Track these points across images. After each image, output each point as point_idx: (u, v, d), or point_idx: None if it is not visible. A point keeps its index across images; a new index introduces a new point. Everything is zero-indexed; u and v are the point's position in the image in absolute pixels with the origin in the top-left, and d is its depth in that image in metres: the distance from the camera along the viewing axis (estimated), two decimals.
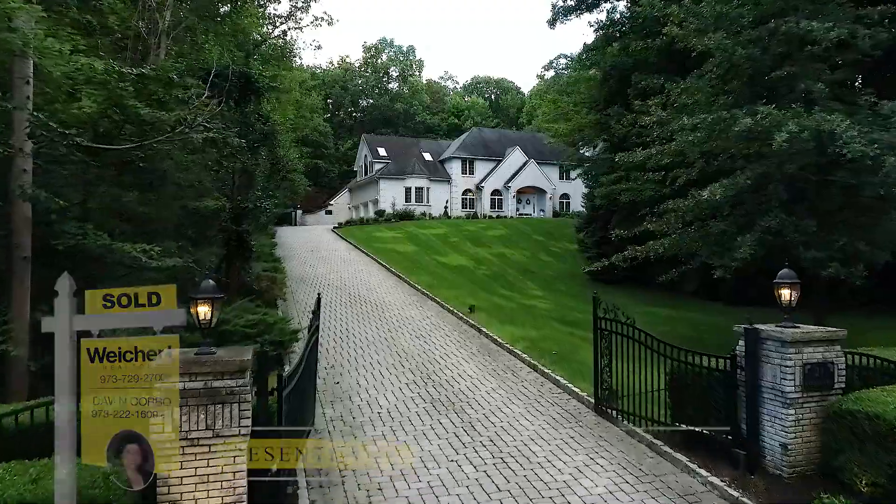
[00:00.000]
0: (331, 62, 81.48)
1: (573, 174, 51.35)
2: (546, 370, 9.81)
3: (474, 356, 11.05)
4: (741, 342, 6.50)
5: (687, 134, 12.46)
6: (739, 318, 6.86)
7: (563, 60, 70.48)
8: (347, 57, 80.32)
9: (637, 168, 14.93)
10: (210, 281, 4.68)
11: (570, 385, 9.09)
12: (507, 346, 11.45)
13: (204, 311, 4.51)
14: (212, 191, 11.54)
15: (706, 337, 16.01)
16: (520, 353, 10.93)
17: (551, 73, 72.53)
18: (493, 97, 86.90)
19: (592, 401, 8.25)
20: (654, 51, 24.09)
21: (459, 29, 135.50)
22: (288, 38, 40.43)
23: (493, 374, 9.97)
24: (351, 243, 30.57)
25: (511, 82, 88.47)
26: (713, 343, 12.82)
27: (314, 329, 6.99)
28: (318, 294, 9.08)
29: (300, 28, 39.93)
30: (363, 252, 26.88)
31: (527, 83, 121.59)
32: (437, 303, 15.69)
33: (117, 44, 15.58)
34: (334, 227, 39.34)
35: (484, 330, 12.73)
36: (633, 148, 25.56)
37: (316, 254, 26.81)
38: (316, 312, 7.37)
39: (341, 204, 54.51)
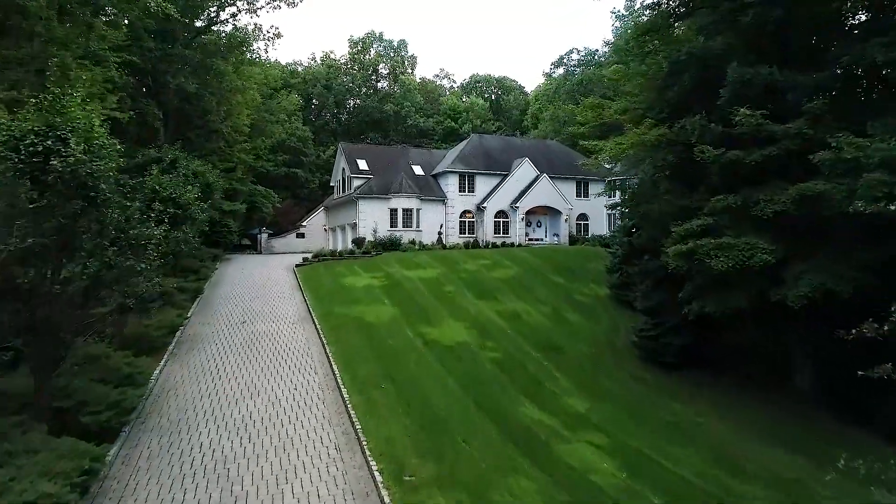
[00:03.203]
0: (312, 58, 73.01)
1: (590, 192, 43.03)
2: None
3: None
4: None
5: None
6: None
7: (575, 56, 62.23)
8: (331, 52, 71.83)
9: None
10: None
11: None
12: None
13: None
14: None
15: None
16: None
17: (561, 70, 64.55)
18: (493, 98, 78.39)
19: None
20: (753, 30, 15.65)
21: (457, 23, 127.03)
22: (238, 22, 32.01)
23: None
24: (307, 303, 22.02)
25: (514, 81, 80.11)
26: None
27: None
28: None
29: (254, 10, 31.21)
30: (316, 330, 18.30)
31: (531, 81, 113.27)
32: None
33: None
34: (299, 264, 30.83)
35: None
36: (712, 177, 17.12)
37: (247, 329, 18.22)
38: None
39: (316, 225, 45.97)
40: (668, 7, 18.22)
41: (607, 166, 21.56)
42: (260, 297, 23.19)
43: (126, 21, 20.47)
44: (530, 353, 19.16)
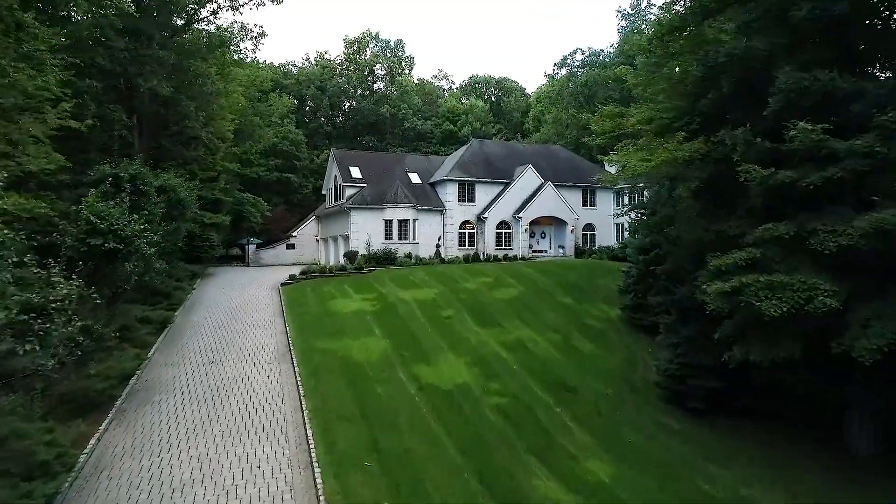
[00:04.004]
0: (306, 58, 70.59)
1: (597, 201, 40.70)
2: None
3: None
4: None
5: None
6: None
7: (579, 56, 59.77)
8: (326, 53, 69.33)
9: None
10: None
11: None
12: None
13: None
14: None
15: None
16: None
17: (564, 71, 62.07)
18: (493, 99, 76.01)
19: None
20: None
21: (455, 22, 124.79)
22: (219, 20, 29.60)
23: None
24: (288, 334, 19.64)
25: (514, 82, 77.77)
26: None
27: None
28: None
29: (236, 7, 28.79)
30: (294, 373, 15.90)
31: (531, 82, 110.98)
32: None
33: None
34: (285, 282, 28.48)
35: None
36: (753, 199, 14.66)
37: (210, 378, 15.79)
38: None
39: (307, 235, 43.58)
40: (698, 2, 15.80)
41: (625, 185, 19.14)
42: (236, 326, 20.78)
43: (79, 17, 18.12)
44: (540, 397, 16.80)
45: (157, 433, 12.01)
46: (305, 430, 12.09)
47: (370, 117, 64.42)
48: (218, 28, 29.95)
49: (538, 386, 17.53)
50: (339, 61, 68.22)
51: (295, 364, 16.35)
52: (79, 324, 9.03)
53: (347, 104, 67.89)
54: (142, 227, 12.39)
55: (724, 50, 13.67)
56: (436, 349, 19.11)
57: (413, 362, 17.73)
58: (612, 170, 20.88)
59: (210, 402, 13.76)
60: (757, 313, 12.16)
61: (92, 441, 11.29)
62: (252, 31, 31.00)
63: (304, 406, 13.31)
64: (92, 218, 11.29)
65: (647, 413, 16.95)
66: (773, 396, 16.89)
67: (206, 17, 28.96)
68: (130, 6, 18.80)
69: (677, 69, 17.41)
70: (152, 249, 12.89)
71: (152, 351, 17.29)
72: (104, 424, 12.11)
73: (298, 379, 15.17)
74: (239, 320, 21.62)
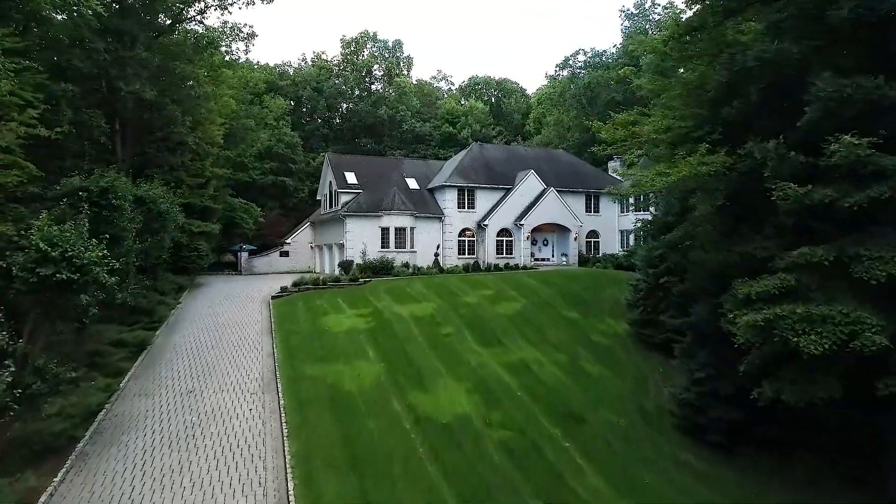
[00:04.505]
0: (303, 59, 69.19)
1: (601, 207, 39.35)
2: None
3: None
4: None
5: None
6: None
7: (581, 57, 58.38)
8: (323, 53, 67.90)
9: None
10: None
11: None
12: None
13: None
14: None
15: None
16: None
17: (565, 72, 60.73)
18: (493, 101, 74.63)
19: None
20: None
21: (454, 22, 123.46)
22: (207, 19, 28.28)
23: None
24: (275, 357, 18.29)
25: (515, 83, 76.36)
26: None
27: None
28: None
29: (225, 7, 27.43)
30: (279, 406, 14.53)
31: (532, 83, 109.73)
32: None
33: None
34: (276, 294, 27.14)
35: None
36: (782, 217, 13.18)
37: (186, 411, 14.44)
38: None
39: (302, 241, 42.20)
40: (719, 1, 14.46)
41: (633, 200, 17.83)
42: (221, 347, 19.42)
43: (61, 18, 16.79)
44: (546, 429, 15.48)
45: (120, 486, 10.66)
46: (287, 482, 10.74)
47: (368, 119, 63.03)
48: (206, 28, 28.59)
49: (544, 415, 16.21)
50: (336, 62, 66.82)
51: (280, 395, 15.00)
52: (8, 378, 7.70)
53: (345, 106, 66.50)
54: (101, 253, 11.06)
55: (753, 53, 12.32)
56: (433, 373, 17.78)
57: (409, 389, 16.40)
58: (626, 183, 19.61)
59: (183, 443, 12.41)
60: (793, 346, 10.86)
61: (42, 498, 9.93)
62: (241, 32, 29.69)
63: (286, 449, 11.98)
64: (41, 245, 9.95)
65: (662, 447, 15.63)
66: (800, 427, 15.54)
67: (194, 16, 27.60)
68: (99, 5, 17.41)
69: (683, 73, 16.14)
70: (113, 278, 11.54)
71: (126, 378, 15.94)
72: (60, 474, 10.75)
73: (283, 414, 13.82)
74: (224, 340, 20.26)
